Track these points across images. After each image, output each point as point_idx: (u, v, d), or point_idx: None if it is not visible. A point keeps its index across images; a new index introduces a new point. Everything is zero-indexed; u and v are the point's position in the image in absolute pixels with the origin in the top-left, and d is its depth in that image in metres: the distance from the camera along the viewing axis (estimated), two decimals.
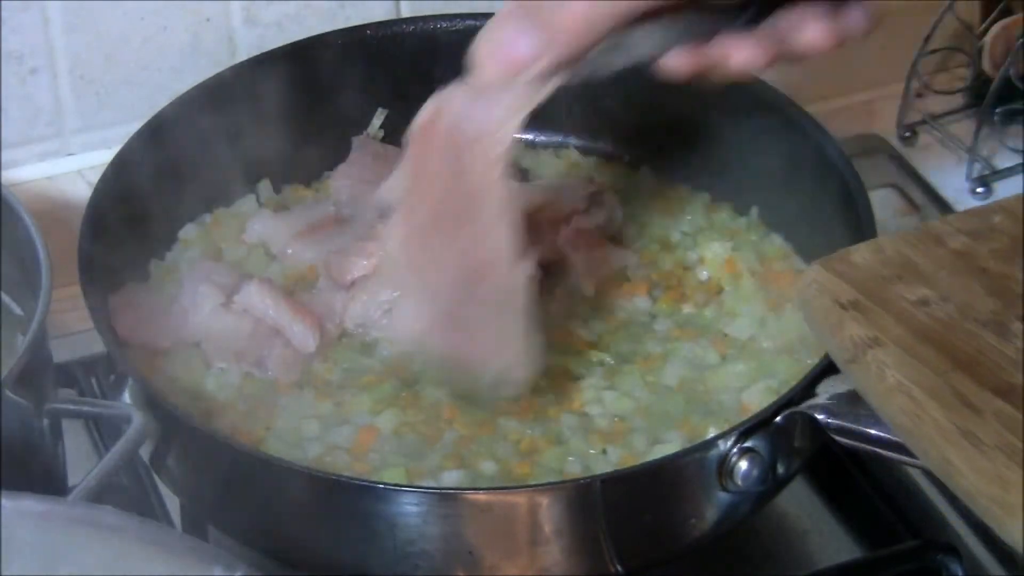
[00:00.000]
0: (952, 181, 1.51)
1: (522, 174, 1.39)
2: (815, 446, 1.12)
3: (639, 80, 1.36)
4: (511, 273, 1.11)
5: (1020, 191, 1.48)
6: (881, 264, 1.01)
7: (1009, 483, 0.86)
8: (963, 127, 1.56)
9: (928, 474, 1.19)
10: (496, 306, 1.12)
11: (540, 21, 1.00)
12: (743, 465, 1.07)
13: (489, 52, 1.03)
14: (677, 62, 1.05)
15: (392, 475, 1.12)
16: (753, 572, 1.21)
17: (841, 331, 0.97)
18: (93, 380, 1.30)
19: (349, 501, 1.06)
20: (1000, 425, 0.89)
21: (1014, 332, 0.95)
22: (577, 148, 1.41)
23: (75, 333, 1.29)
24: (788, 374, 1.18)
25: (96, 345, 1.18)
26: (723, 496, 1.09)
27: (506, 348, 1.13)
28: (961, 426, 0.89)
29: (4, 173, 1.37)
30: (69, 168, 1.41)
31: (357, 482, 1.08)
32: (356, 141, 1.39)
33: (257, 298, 1.22)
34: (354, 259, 1.25)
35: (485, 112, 1.06)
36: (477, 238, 1.11)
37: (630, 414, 1.17)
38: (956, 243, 1.02)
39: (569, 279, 1.28)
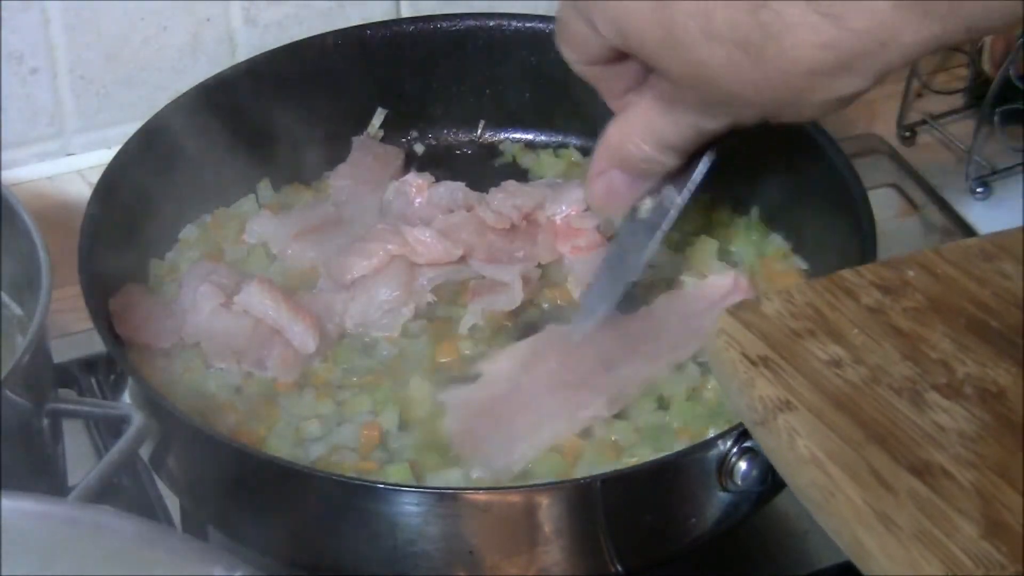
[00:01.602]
0: (952, 181, 1.51)
1: (522, 174, 1.39)
2: None
3: None
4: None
5: (1020, 191, 1.49)
6: (792, 316, 0.94)
7: (924, 574, 0.80)
8: (963, 127, 1.56)
9: None
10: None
11: None
12: (743, 465, 1.07)
13: None
14: None
15: (396, 472, 1.12)
16: (753, 572, 1.21)
17: (751, 390, 0.91)
18: (93, 380, 1.30)
19: (349, 501, 1.06)
20: (916, 508, 0.83)
21: (929, 403, 0.89)
22: (577, 148, 1.41)
23: (75, 333, 1.29)
24: None
25: (96, 345, 1.18)
26: (723, 496, 1.09)
27: (521, 446, 1.15)
28: (876, 507, 0.83)
29: (4, 173, 1.37)
30: (69, 168, 1.42)
31: (357, 482, 1.08)
32: (356, 141, 1.39)
33: (257, 298, 1.22)
34: (354, 259, 1.25)
35: None
36: None
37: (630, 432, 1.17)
38: (868, 298, 0.95)
39: (565, 280, 1.28)
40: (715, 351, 0.94)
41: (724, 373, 0.93)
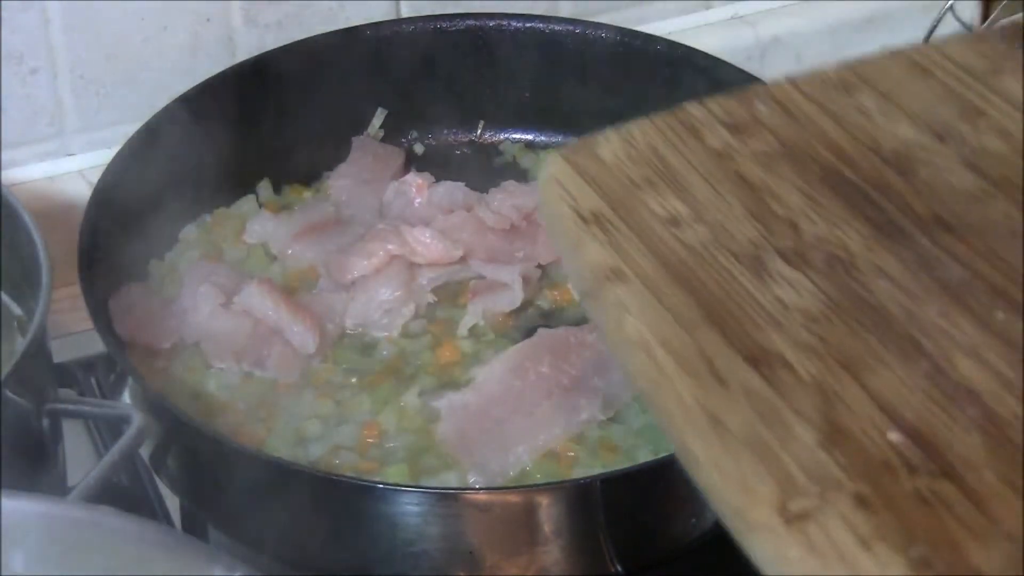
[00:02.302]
0: None
1: (522, 174, 1.39)
2: None
3: (639, 81, 1.37)
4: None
5: None
6: (631, 162, 0.82)
7: (756, 495, 0.68)
8: None
9: None
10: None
11: None
12: None
13: None
14: None
15: (395, 472, 1.12)
16: (753, 572, 1.21)
17: (580, 254, 0.78)
18: (93, 380, 1.30)
19: (349, 501, 1.06)
20: (750, 408, 0.70)
21: (772, 272, 0.76)
22: None
23: (75, 333, 1.29)
24: None
25: (96, 345, 1.18)
26: None
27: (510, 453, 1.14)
28: (706, 406, 0.70)
29: (4, 173, 1.37)
30: (69, 168, 1.41)
31: (357, 482, 1.08)
32: (356, 141, 1.39)
33: (257, 299, 1.22)
34: (354, 259, 1.25)
35: None
36: None
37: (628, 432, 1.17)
38: (715, 139, 0.82)
39: (565, 280, 1.28)
40: (545, 203, 0.82)
41: (555, 231, 0.82)
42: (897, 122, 0.84)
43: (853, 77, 0.87)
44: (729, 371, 0.72)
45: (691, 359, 0.73)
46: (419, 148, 1.41)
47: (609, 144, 0.84)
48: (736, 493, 0.69)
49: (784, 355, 0.73)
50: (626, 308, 0.75)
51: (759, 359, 0.72)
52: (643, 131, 0.84)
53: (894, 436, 0.69)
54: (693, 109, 0.85)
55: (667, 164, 0.82)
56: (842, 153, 0.83)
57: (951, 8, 1.53)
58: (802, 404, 0.70)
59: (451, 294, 1.27)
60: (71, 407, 1.12)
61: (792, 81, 0.87)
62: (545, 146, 1.41)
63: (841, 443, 0.69)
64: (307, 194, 1.36)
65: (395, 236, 1.26)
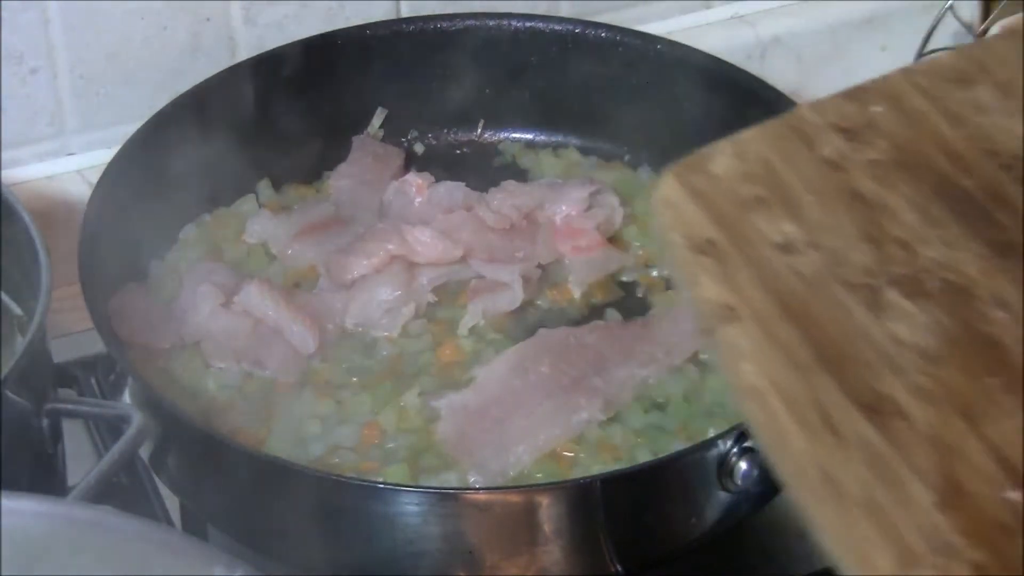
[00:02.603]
0: None
1: (522, 174, 1.39)
2: None
3: (639, 80, 1.37)
4: None
5: None
6: (743, 177, 0.75)
7: (872, 562, 0.63)
8: None
9: None
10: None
11: None
12: (743, 465, 1.07)
13: None
14: None
15: (395, 472, 1.12)
16: (753, 572, 1.21)
17: (695, 287, 0.73)
18: (93, 380, 1.30)
19: (349, 501, 1.06)
20: (866, 465, 0.66)
21: (887, 305, 0.71)
22: (577, 148, 1.41)
23: (75, 333, 1.29)
24: None
25: (96, 345, 1.18)
26: (723, 496, 1.09)
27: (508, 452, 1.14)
28: (822, 463, 0.66)
29: (4, 173, 1.37)
30: (69, 168, 1.41)
31: (356, 482, 1.08)
32: (356, 141, 1.39)
33: (257, 299, 1.22)
34: (354, 259, 1.25)
35: None
36: None
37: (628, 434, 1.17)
38: (827, 147, 0.76)
39: (565, 280, 1.28)
40: (661, 228, 0.77)
41: (671, 259, 0.76)
42: (1015, 119, 0.79)
43: (970, 66, 0.82)
44: (844, 422, 0.68)
45: (805, 409, 0.69)
46: (419, 148, 1.41)
47: (722, 157, 0.78)
48: (854, 563, 0.65)
49: (899, 402, 0.69)
50: (741, 351, 0.71)
51: (874, 407, 0.68)
52: (755, 141, 0.79)
53: (1013, 495, 0.65)
54: (807, 113, 0.80)
55: (780, 179, 0.77)
56: (958, 158, 0.78)
57: (951, 8, 1.53)
58: (918, 459, 0.67)
59: (451, 294, 1.27)
60: (71, 407, 1.13)
61: (908, 73, 0.81)
62: (545, 146, 1.41)
63: (958, 504, 0.65)
64: (307, 194, 1.36)
65: (395, 236, 1.26)
